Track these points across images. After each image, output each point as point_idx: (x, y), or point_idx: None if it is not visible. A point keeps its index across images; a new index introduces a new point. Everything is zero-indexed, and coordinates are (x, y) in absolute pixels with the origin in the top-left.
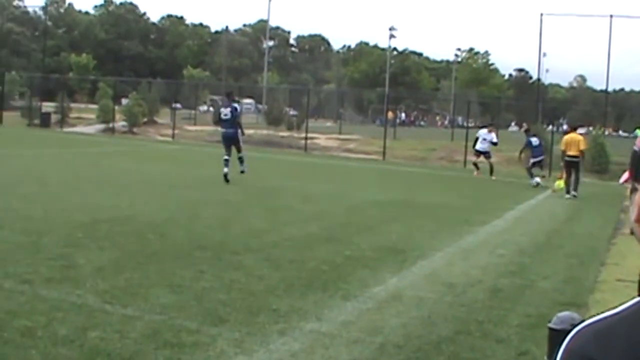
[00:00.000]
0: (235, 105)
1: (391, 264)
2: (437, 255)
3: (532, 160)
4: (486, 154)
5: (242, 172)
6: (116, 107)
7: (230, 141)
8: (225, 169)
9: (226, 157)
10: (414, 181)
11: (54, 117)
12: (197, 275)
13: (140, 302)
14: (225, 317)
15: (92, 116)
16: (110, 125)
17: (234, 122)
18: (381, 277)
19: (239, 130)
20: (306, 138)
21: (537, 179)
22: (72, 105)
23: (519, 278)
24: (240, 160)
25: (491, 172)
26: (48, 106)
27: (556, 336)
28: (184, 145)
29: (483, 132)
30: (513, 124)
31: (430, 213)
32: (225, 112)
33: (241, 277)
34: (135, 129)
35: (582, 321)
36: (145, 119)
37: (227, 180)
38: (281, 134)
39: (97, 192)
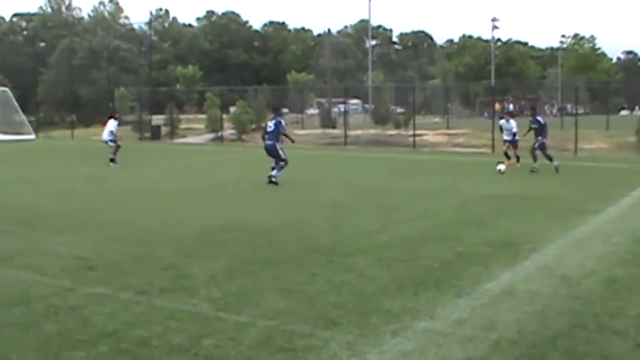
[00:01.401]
0: (280, 119)
1: (503, 258)
2: (549, 247)
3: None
4: (513, 143)
5: (270, 179)
6: (224, 116)
7: (270, 152)
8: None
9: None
10: (524, 173)
11: (164, 129)
12: (309, 279)
13: (253, 308)
14: (338, 319)
15: (201, 126)
16: (219, 134)
17: (276, 134)
18: (494, 272)
19: (279, 144)
20: (414, 135)
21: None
22: (181, 116)
23: (635, 267)
24: (273, 168)
25: (517, 160)
26: (158, 119)
27: None
28: (293, 150)
29: (502, 122)
30: (623, 108)
31: (541, 204)
32: (270, 124)
33: (353, 279)
34: (244, 136)
35: None
36: (253, 126)
37: (269, 182)
38: (389, 132)
39: (208, 201)
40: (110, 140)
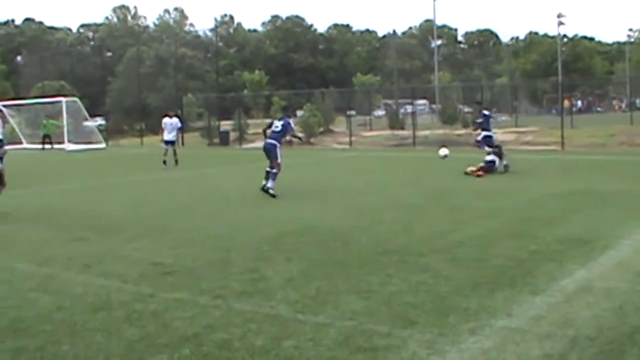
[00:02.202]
0: (289, 120)
1: (577, 255)
2: (624, 243)
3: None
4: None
5: (265, 190)
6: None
7: (268, 152)
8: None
9: (267, 169)
10: (595, 169)
11: (233, 135)
12: (385, 280)
13: (330, 309)
14: (415, 319)
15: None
16: (287, 138)
17: (281, 136)
18: (568, 269)
19: (280, 146)
20: None
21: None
22: (249, 121)
23: None
24: (267, 174)
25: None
26: (226, 125)
27: None
28: (361, 152)
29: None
30: None
31: (614, 201)
32: (277, 124)
33: (428, 279)
34: (312, 139)
35: None
36: (321, 129)
37: (264, 191)
38: (457, 132)
39: (279, 204)
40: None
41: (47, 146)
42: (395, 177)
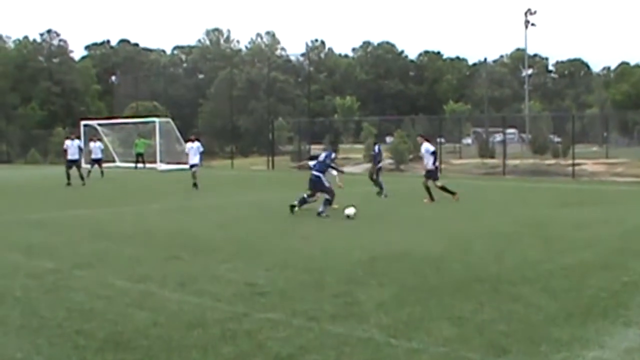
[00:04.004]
0: (331, 152)
1: None
2: None
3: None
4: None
5: (318, 213)
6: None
7: (314, 184)
8: (295, 202)
9: (304, 195)
10: None
11: None
12: (477, 308)
13: (423, 335)
14: (508, 347)
15: (359, 156)
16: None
17: (325, 165)
18: None
19: (324, 176)
20: (573, 164)
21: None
22: (340, 146)
23: None
24: (304, 201)
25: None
26: (316, 149)
27: None
28: (451, 180)
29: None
30: None
31: None
32: (322, 155)
33: (520, 308)
34: (402, 166)
35: None
36: (411, 156)
37: (292, 211)
38: (547, 162)
39: (371, 229)
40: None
41: (140, 165)
42: (487, 206)
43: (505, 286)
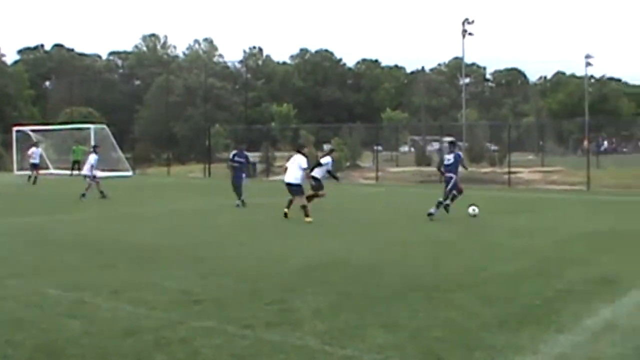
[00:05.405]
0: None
1: (603, 295)
2: None
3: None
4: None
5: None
6: (318, 154)
7: (290, 187)
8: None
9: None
10: (621, 210)
11: (259, 167)
12: (412, 314)
13: (358, 342)
14: (442, 354)
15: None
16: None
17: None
18: (594, 308)
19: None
20: (509, 172)
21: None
22: (276, 154)
23: None
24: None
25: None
26: (253, 156)
27: None
28: (388, 187)
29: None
30: None
31: (639, 241)
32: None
33: (455, 315)
34: (338, 174)
35: None
36: (348, 163)
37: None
38: (483, 170)
39: (308, 237)
40: (90, 175)
41: (76, 172)
42: (423, 214)
43: (440, 293)
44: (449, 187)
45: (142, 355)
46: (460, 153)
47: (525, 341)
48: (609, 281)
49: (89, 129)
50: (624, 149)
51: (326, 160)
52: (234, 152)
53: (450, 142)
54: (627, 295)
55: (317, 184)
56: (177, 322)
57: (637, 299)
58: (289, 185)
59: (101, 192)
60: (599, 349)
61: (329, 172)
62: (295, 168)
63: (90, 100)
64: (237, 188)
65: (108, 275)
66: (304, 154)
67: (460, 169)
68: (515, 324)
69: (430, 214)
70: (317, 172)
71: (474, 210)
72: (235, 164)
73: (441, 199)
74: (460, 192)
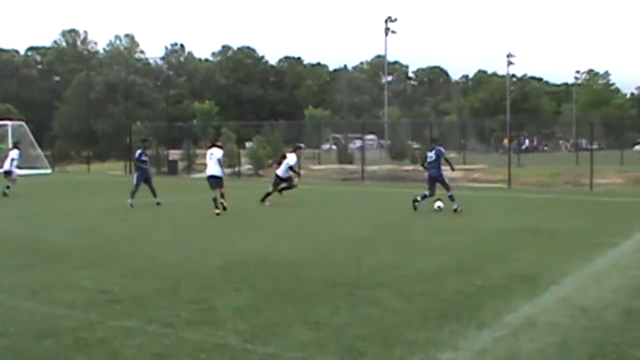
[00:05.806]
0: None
1: (523, 291)
2: (568, 280)
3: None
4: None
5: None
6: (241, 151)
7: (214, 179)
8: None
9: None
10: (541, 207)
11: (181, 164)
12: (333, 312)
13: (279, 340)
14: (363, 350)
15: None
16: (236, 169)
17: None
18: (514, 304)
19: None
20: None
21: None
22: (198, 151)
23: None
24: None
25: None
26: (174, 154)
27: None
28: (311, 185)
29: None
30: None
31: (559, 238)
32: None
33: (376, 312)
34: (260, 171)
35: None
36: (270, 161)
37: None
38: (405, 167)
39: (229, 235)
40: (8, 172)
41: None
42: (345, 211)
43: (361, 290)
44: (442, 180)
45: (61, 357)
46: (442, 148)
47: (446, 337)
48: (529, 277)
49: (6, 125)
50: (545, 147)
51: (292, 157)
52: (140, 151)
53: (432, 140)
54: (546, 291)
55: (277, 180)
56: (97, 322)
57: (556, 295)
58: (212, 177)
59: (7, 188)
60: (518, 345)
61: (290, 167)
62: (214, 161)
63: (8, 96)
64: (149, 185)
65: (24, 275)
66: (219, 147)
67: (447, 167)
68: (435, 320)
69: (440, 208)
70: (280, 169)
71: (439, 207)
72: (144, 165)
73: (450, 193)
74: (432, 190)
